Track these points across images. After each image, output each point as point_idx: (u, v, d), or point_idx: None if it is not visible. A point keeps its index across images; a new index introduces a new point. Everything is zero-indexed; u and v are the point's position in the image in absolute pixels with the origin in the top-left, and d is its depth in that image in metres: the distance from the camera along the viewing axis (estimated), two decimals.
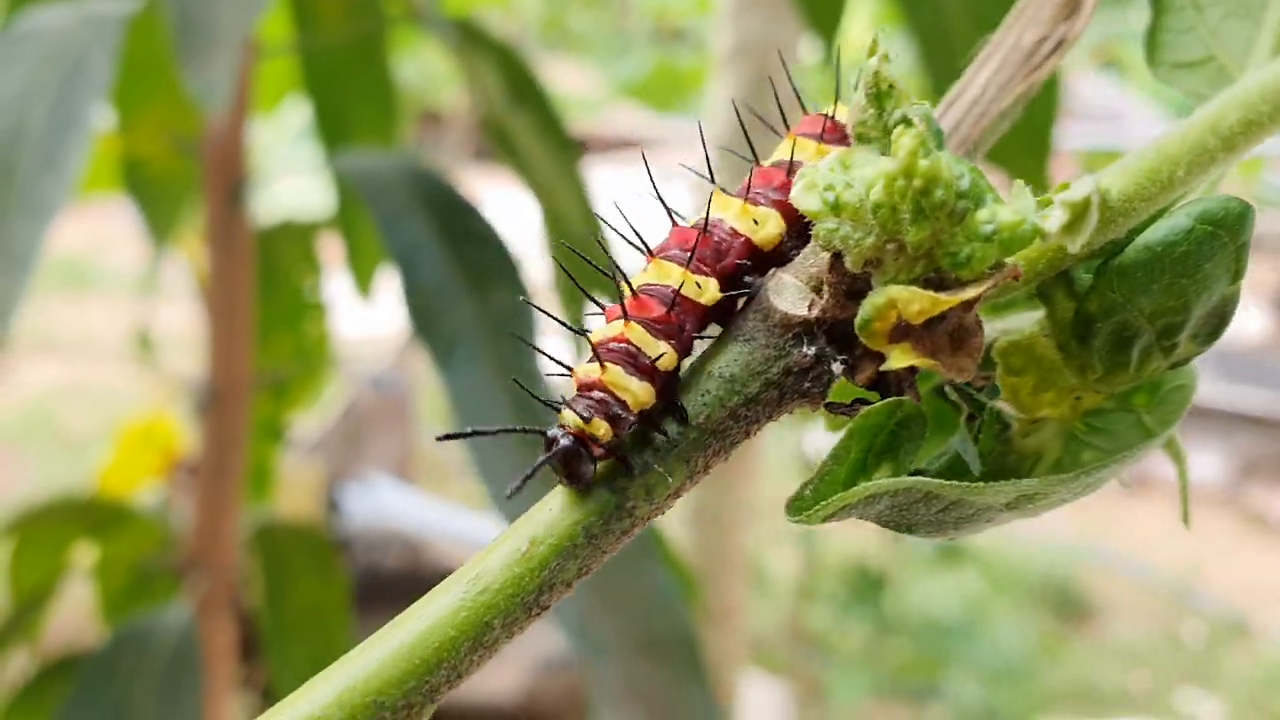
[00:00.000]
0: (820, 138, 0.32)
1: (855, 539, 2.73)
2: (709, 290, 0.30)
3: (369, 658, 0.27)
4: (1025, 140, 0.91)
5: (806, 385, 0.30)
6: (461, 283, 0.96)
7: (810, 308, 0.29)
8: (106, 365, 3.50)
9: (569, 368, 0.31)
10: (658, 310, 0.30)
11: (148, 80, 1.18)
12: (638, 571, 0.97)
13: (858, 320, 0.28)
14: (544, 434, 0.29)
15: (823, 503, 0.28)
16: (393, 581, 2.18)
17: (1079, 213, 0.26)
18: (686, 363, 0.30)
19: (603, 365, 0.29)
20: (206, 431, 1.16)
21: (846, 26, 1.03)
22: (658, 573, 0.98)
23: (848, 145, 0.30)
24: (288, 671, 1.25)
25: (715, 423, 0.29)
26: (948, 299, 0.26)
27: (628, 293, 0.30)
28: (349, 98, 1.29)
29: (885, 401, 0.28)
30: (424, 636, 0.27)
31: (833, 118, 0.32)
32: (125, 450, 1.83)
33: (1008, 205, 0.27)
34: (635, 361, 0.29)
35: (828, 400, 0.30)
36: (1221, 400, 3.48)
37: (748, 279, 0.31)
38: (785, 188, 0.31)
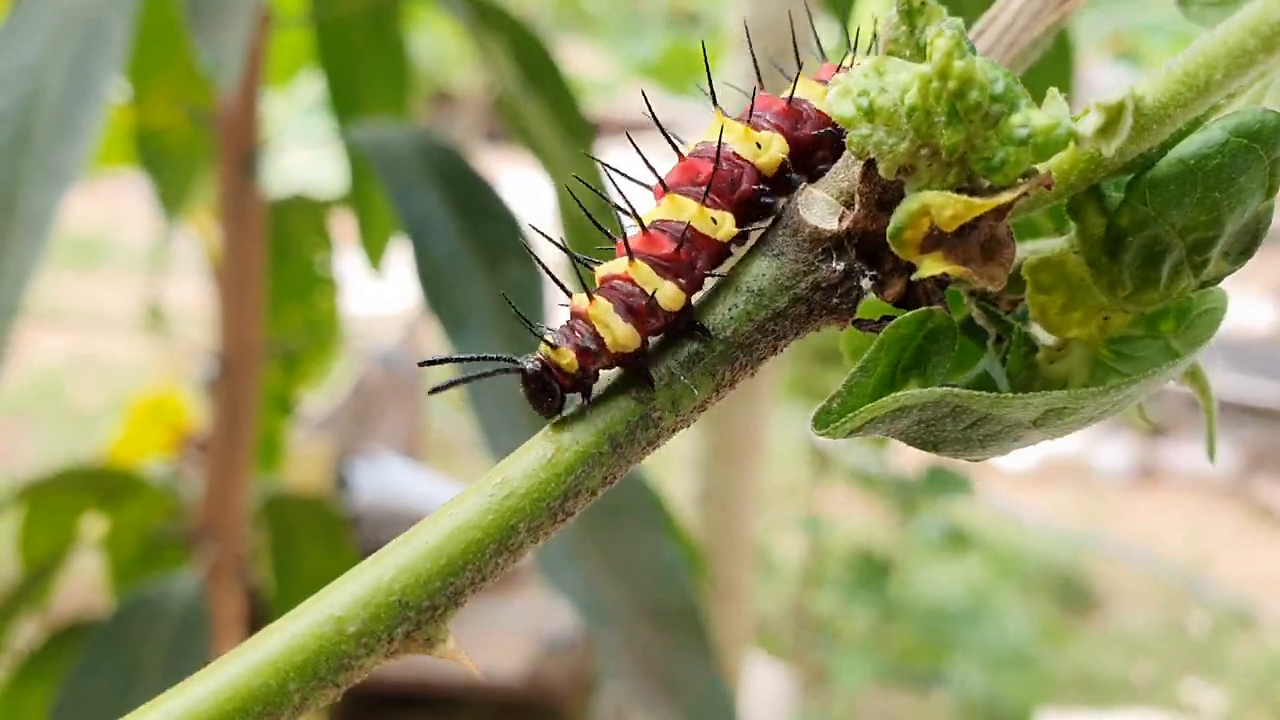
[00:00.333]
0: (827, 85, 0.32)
1: (861, 525, 2.73)
2: (725, 225, 0.30)
3: (394, 559, 0.27)
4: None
5: (835, 301, 0.30)
6: (473, 256, 0.96)
7: (840, 220, 0.29)
8: (117, 339, 3.50)
9: (569, 292, 0.30)
10: (668, 247, 0.30)
11: (161, 51, 1.18)
12: (645, 542, 0.97)
13: (890, 228, 0.27)
14: (521, 366, 0.29)
15: (850, 415, 0.28)
16: None
17: (1114, 116, 0.26)
18: (697, 297, 0.30)
19: (592, 299, 0.29)
20: (217, 402, 1.16)
21: (861, 6, 1.02)
22: (665, 545, 0.98)
23: None
24: None
25: (742, 336, 0.29)
26: (982, 203, 0.26)
27: (637, 229, 0.30)
28: (362, 70, 1.28)
29: (915, 312, 0.28)
30: (451, 537, 0.27)
31: (847, 69, 0.32)
32: (135, 425, 1.83)
33: (1042, 110, 0.26)
34: (628, 302, 0.29)
35: (856, 317, 0.30)
36: (1229, 392, 3.47)
37: (766, 200, 0.30)
38: (786, 112, 0.31)
